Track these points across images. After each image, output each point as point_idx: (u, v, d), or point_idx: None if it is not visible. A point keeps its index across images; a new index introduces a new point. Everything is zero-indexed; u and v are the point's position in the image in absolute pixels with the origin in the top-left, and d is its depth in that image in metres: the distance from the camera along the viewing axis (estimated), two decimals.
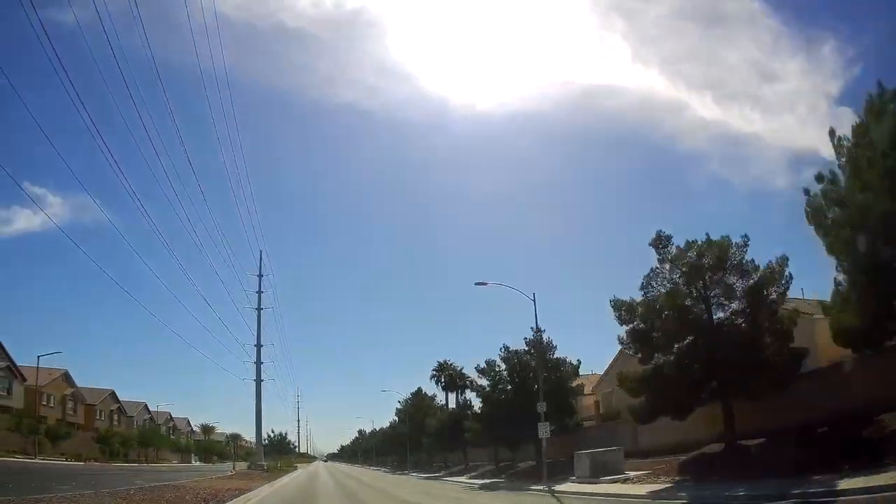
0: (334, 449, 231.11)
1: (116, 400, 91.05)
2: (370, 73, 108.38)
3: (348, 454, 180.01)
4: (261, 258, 75.57)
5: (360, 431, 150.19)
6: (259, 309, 73.64)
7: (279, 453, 60.11)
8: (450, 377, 70.08)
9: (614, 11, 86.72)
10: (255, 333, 71.94)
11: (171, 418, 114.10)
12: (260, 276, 74.77)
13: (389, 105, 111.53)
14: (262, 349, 71.97)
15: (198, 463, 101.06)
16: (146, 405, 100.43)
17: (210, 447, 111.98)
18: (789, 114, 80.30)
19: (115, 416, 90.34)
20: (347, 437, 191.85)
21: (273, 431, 59.57)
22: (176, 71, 69.41)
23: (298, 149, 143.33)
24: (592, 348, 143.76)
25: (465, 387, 70.28)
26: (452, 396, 70.43)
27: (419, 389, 77.26)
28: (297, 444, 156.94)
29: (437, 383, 71.41)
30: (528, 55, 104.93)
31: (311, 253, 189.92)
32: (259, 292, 74.17)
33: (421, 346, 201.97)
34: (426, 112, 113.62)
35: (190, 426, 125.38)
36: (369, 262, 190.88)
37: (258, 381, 71.61)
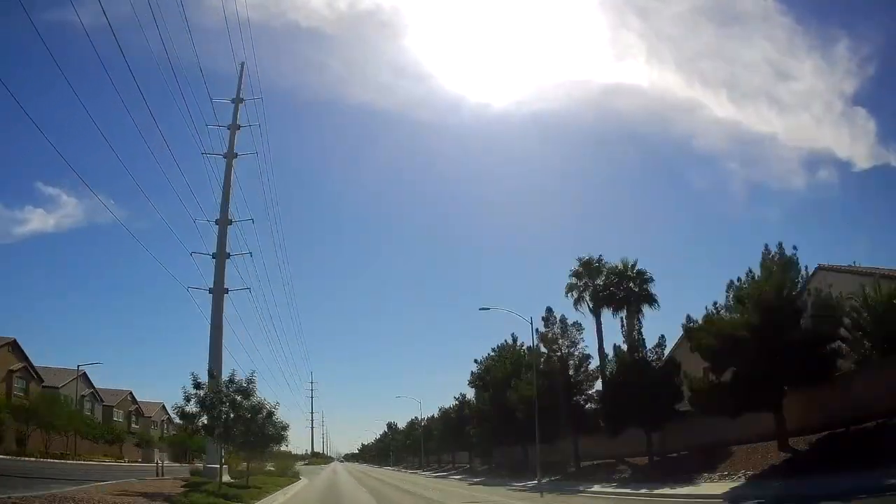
0: (352, 449, 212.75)
1: (21, 356, 56.77)
2: (384, 72, 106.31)
3: (374, 453, 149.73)
4: (240, 75, 41.05)
5: (389, 425, 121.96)
6: (231, 156, 38.61)
7: (249, 443, 27.49)
8: (616, 279, 33.11)
9: (629, 10, 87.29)
10: (221, 194, 37.15)
11: (134, 400, 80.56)
12: (237, 100, 39.99)
13: (404, 105, 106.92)
14: (235, 233, 37.69)
15: (165, 463, 66.63)
16: (86, 375, 65.97)
17: (187, 440, 76.91)
18: (805, 113, 79.14)
19: (22, 383, 56.31)
20: (368, 435, 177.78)
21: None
22: (188, 70, 54.61)
23: (310, 147, 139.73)
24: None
25: (647, 298, 33.81)
26: (615, 324, 33.47)
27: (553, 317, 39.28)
28: (283, 420, 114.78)
29: (577, 302, 34.94)
30: (543, 54, 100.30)
31: (327, 249, 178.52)
32: (232, 126, 39.35)
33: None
34: (441, 111, 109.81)
35: (167, 413, 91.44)
36: (384, 262, 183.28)
37: (218, 289, 35.85)
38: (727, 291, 22.51)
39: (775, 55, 78.94)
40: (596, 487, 27.06)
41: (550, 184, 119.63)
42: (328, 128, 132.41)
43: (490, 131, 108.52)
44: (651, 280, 33.32)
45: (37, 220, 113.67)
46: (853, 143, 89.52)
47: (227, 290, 35.24)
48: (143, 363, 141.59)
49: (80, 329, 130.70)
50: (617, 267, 33.72)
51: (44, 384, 58.22)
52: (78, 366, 63.38)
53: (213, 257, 35.45)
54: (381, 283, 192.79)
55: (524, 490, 29.29)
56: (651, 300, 32.96)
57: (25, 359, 57.00)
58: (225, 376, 25.61)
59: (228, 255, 35.63)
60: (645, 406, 27.39)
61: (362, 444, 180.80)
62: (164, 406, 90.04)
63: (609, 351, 32.72)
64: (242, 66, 41.03)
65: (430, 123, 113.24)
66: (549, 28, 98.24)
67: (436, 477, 56.90)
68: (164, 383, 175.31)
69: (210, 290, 34.83)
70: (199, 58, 56.40)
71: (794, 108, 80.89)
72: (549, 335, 35.77)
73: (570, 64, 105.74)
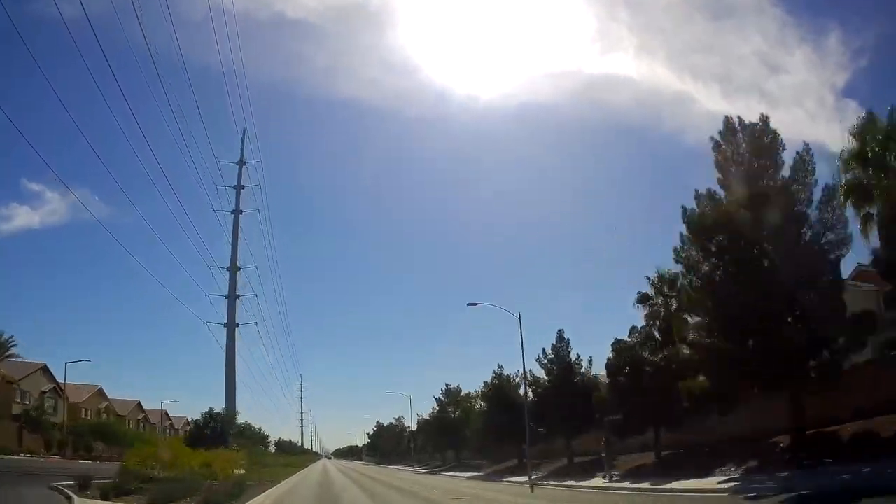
0: (340, 444, 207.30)
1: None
2: (371, 65, 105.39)
3: (380, 450, 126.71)
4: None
5: (398, 419, 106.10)
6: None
7: None
8: None
9: (619, 1, 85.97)
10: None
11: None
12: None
13: (391, 97, 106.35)
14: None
15: None
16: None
17: None
18: (796, 106, 76.65)
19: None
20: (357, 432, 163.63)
21: None
22: (174, 63, 54.22)
23: (297, 142, 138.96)
24: (596, 345, 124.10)
25: None
26: None
27: None
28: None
29: None
30: (532, 46, 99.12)
31: (314, 243, 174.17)
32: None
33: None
34: (428, 104, 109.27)
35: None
36: (376, 250, 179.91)
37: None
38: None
39: (767, 48, 79.35)
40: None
41: (539, 176, 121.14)
42: (314, 121, 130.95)
43: (478, 124, 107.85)
44: None
45: (22, 217, 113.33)
46: (845, 136, 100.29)
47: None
48: (123, 360, 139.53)
49: (69, 326, 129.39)
50: None
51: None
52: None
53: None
54: (369, 278, 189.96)
55: None
56: None
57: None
58: None
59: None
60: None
61: (375, 427, 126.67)
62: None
63: None
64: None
65: (418, 116, 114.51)
66: (537, 19, 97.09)
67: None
68: (155, 380, 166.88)
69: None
70: (183, 49, 56.63)
71: (786, 102, 79.26)
72: None
73: (559, 56, 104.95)
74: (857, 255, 21.77)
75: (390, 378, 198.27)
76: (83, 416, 68.84)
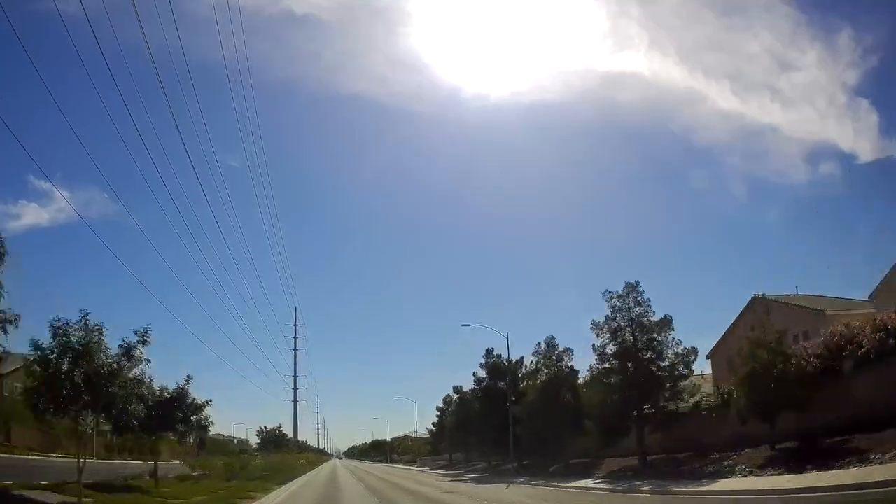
0: (351, 444, 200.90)
1: None
2: (380, 62, 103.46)
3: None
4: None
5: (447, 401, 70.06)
6: None
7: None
8: None
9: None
10: None
11: None
12: None
13: (400, 95, 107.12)
14: None
15: None
16: None
17: None
18: (807, 105, 76.66)
19: None
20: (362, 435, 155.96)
21: None
22: (178, 60, 44.48)
23: (304, 139, 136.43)
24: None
25: None
26: None
27: None
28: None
29: None
30: (542, 44, 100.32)
31: (322, 241, 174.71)
32: None
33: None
34: (438, 102, 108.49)
35: None
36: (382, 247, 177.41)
37: None
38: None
39: (778, 46, 78.60)
40: None
41: (548, 176, 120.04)
42: (321, 118, 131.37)
43: (488, 123, 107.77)
44: None
45: (31, 215, 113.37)
46: (856, 135, 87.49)
47: None
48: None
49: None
50: None
51: None
52: None
53: None
54: (378, 277, 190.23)
55: None
56: None
57: None
58: None
59: None
60: None
61: (455, 396, 72.25)
62: None
63: None
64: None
65: (427, 114, 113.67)
66: (547, 17, 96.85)
67: None
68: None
69: None
70: (188, 46, 52.29)
71: (797, 100, 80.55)
72: None
73: (569, 54, 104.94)
74: None
75: (397, 377, 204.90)
76: None
